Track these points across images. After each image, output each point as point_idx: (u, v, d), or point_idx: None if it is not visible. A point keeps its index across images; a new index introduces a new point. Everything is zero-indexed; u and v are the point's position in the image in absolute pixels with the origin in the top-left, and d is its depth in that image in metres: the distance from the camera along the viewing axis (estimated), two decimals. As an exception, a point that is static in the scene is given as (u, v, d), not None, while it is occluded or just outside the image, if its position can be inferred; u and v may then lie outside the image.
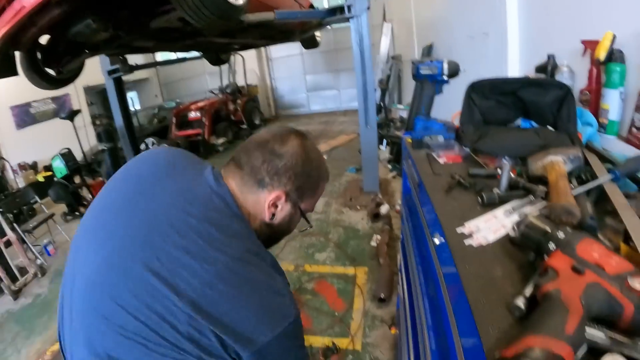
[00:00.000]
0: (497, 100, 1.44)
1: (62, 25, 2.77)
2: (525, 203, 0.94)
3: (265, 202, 0.83)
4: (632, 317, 0.53)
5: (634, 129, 1.32)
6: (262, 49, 12.45)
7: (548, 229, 0.68)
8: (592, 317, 0.54)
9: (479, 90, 1.45)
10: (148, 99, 13.09)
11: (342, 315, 3.13)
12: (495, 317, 0.61)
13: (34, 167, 7.72)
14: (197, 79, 13.26)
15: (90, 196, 6.17)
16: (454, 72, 1.50)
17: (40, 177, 6.89)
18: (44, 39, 3.30)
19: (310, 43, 7.33)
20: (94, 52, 3.88)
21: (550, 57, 1.75)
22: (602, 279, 0.56)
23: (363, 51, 4.53)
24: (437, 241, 0.88)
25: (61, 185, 5.85)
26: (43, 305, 3.90)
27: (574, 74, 1.66)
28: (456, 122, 1.53)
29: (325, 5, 9.44)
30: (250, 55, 11.40)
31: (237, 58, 10.82)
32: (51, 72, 3.66)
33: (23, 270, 4.30)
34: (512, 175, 1.04)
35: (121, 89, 5.98)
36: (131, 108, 6.96)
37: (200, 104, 9.44)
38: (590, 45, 1.56)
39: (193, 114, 9.17)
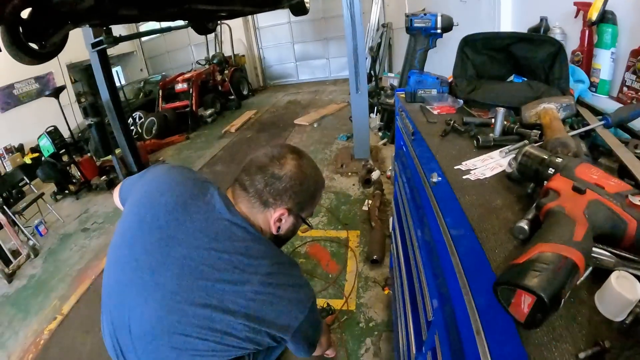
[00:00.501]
0: (489, 56, 1.44)
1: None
2: (520, 146, 0.95)
3: (271, 219, 0.98)
4: (636, 233, 0.54)
5: (625, 89, 1.34)
6: (249, 17, 12.17)
7: (545, 156, 0.70)
8: (596, 234, 0.55)
9: (472, 45, 1.44)
10: (133, 74, 12.83)
11: (335, 277, 3.20)
12: (498, 240, 0.63)
13: (20, 149, 7.59)
14: (183, 50, 13.00)
15: (79, 173, 6.11)
16: (448, 25, 1.48)
17: (27, 159, 6.80)
18: (25, 13, 3.18)
19: (299, 10, 7.12)
20: (77, 23, 3.72)
21: (543, 19, 1.75)
22: (603, 197, 0.58)
23: (354, 15, 4.43)
24: (434, 179, 0.89)
25: (49, 164, 5.76)
26: (37, 285, 3.90)
27: (566, 35, 1.67)
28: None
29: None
30: (237, 24, 11.15)
31: (223, 28, 10.56)
32: (34, 46, 3.54)
33: (16, 253, 4.28)
34: (506, 123, 1.06)
35: (106, 62, 5.80)
36: (120, 82, 6.79)
37: (187, 75, 9.24)
38: (582, 7, 1.57)
39: (180, 86, 9.01)
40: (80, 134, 7.24)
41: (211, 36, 10.74)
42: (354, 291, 3.01)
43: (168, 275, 0.88)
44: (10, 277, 4.04)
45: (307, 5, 7.18)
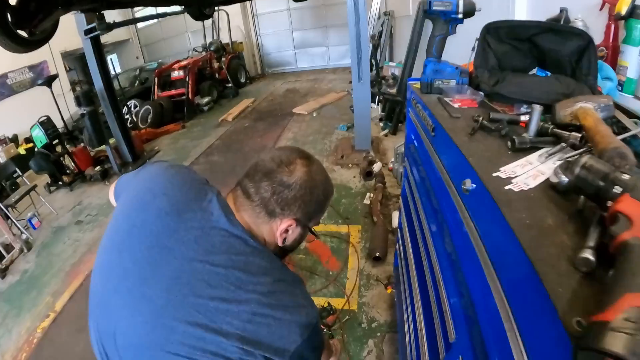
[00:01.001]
0: (512, 46, 1.31)
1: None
2: (559, 150, 0.83)
3: (277, 230, 0.89)
4: None
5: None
6: (248, 3, 12.00)
7: (608, 170, 0.58)
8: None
9: (495, 33, 1.31)
10: (129, 61, 12.72)
11: (336, 275, 3.10)
12: (559, 273, 0.51)
13: (14, 140, 7.48)
14: (179, 38, 12.85)
15: (72, 164, 5.98)
16: (470, 10, 1.34)
17: (21, 150, 6.67)
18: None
19: (299, -6, 6.95)
20: (67, 8, 3.56)
21: (563, 11, 1.66)
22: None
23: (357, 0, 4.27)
24: (467, 187, 0.77)
25: (42, 155, 5.64)
26: (30, 280, 3.83)
27: (589, 29, 1.54)
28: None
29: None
30: (235, 10, 10.99)
31: (221, 14, 10.36)
32: (23, 33, 3.39)
33: (9, 247, 4.21)
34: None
35: (99, 49, 5.64)
36: (112, 71, 6.64)
37: (183, 63, 9.09)
38: (609, 0, 1.50)
39: (176, 73, 8.88)
40: (74, 124, 7.08)
41: (208, 23, 10.56)
42: (356, 290, 2.91)
43: (157, 289, 0.79)
44: (3, 273, 3.97)
45: (307, -9, 7.00)
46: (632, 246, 0.47)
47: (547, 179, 0.71)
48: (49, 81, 5.95)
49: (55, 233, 4.61)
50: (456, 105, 1.21)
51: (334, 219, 3.87)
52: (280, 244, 0.92)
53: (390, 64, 7.61)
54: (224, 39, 10.86)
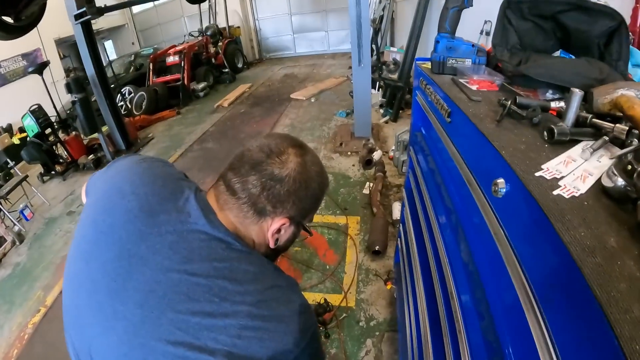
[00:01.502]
0: (535, 23, 1.16)
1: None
2: (602, 143, 0.68)
3: (268, 230, 0.78)
4: None
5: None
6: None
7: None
8: None
9: (516, 8, 1.16)
10: (125, 47, 12.57)
11: (334, 269, 2.97)
12: (632, 319, 0.37)
13: (8, 130, 7.33)
14: (175, 22, 12.67)
15: (65, 153, 5.83)
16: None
17: (15, 140, 6.53)
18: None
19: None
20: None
21: None
22: None
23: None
24: (499, 188, 0.62)
25: (34, 145, 5.49)
26: (22, 274, 3.73)
27: None
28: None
29: None
30: (231, -7, 10.73)
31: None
32: (8, 19, 3.21)
33: (1, 240, 4.13)
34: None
35: (90, 34, 5.45)
36: (107, 57, 6.45)
37: (179, 48, 8.90)
38: None
39: (171, 59, 8.68)
40: (68, 112, 6.91)
41: (205, 7, 10.32)
42: (354, 285, 2.79)
43: (129, 304, 0.68)
44: (-5, 267, 3.87)
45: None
46: None
47: (598, 181, 0.57)
48: (40, 68, 5.74)
49: (47, 224, 4.49)
50: (474, 87, 1.06)
51: (331, 209, 3.73)
52: (272, 245, 0.81)
53: (392, 49, 7.43)
54: (221, 23, 10.66)
